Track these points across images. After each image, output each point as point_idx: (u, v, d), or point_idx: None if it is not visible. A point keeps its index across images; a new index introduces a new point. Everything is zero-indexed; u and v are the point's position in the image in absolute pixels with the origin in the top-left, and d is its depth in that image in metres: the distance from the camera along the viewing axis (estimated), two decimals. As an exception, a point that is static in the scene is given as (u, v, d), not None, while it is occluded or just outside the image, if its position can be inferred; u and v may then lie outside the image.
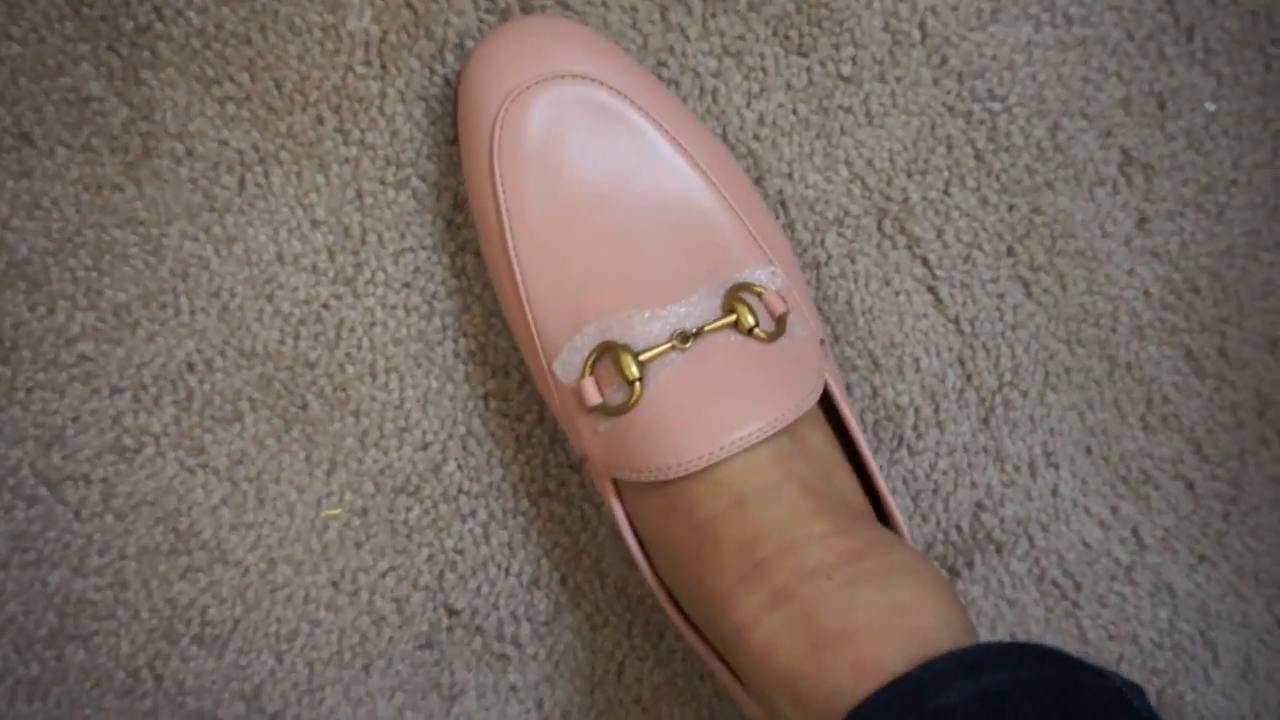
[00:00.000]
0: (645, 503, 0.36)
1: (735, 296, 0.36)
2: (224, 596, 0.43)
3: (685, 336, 0.36)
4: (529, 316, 0.37)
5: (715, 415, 0.35)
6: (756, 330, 0.36)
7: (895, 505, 0.38)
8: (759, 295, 0.37)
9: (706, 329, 0.36)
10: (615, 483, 0.38)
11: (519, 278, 0.37)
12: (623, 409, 0.35)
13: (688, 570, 0.35)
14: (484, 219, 0.38)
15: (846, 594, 0.32)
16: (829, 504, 0.34)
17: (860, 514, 0.36)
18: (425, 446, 0.44)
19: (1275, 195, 0.45)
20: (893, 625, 0.31)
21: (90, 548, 0.43)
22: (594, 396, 0.36)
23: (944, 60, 0.44)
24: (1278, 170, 0.45)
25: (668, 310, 0.36)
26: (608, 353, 0.36)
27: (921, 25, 0.43)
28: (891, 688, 0.29)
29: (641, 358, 0.35)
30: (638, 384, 0.35)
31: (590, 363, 0.36)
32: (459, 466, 0.44)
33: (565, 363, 0.37)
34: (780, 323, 0.37)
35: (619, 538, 0.44)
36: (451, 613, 0.44)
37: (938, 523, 0.45)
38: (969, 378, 0.45)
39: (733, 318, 0.36)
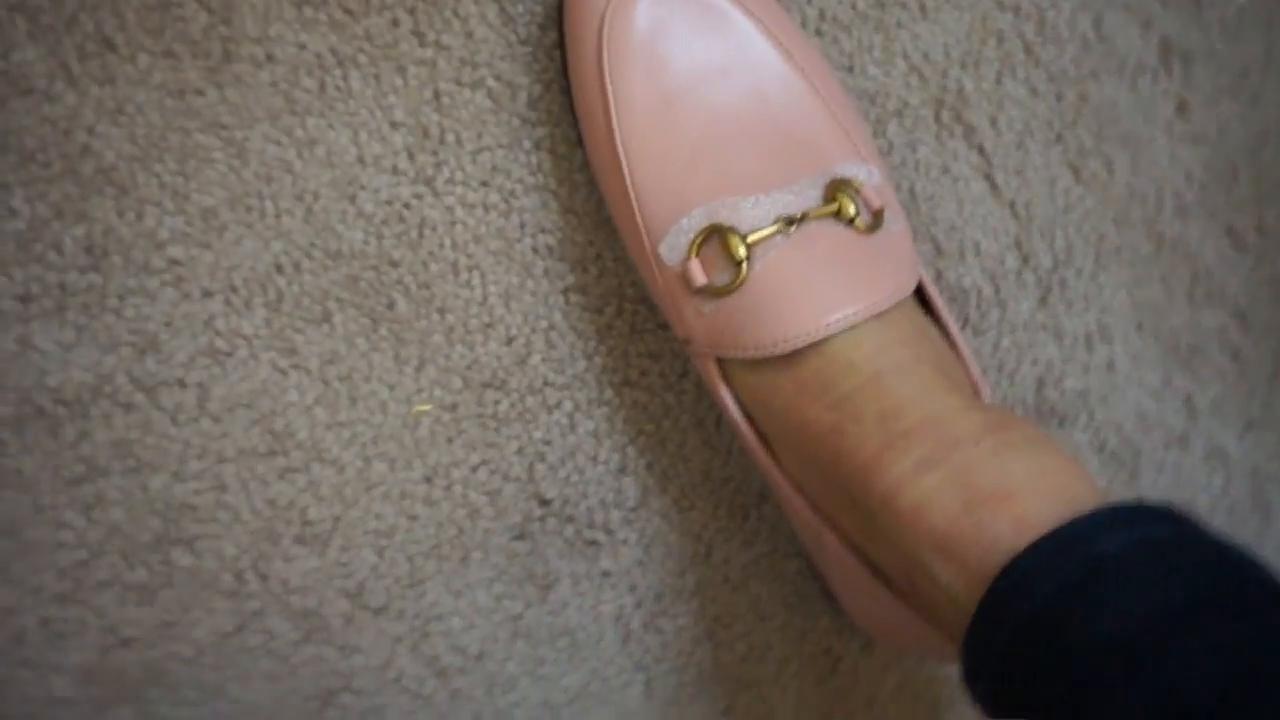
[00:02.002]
0: (768, 382, 0.38)
1: (836, 188, 0.38)
2: (322, 495, 0.44)
3: (790, 221, 0.37)
4: (634, 203, 0.39)
5: (820, 294, 0.36)
6: (857, 221, 0.38)
7: (986, 386, 0.40)
8: (857, 190, 0.38)
9: (811, 215, 0.37)
10: (720, 364, 0.38)
11: (625, 165, 0.39)
12: (729, 289, 0.37)
13: (823, 445, 0.36)
14: (590, 110, 0.39)
15: (995, 459, 0.33)
16: (957, 383, 0.36)
17: (977, 393, 0.38)
18: (509, 341, 0.45)
19: (1303, 78, 0.47)
20: (1045, 485, 0.32)
21: (189, 452, 0.43)
22: (700, 277, 0.37)
23: (997, -47, 0.45)
24: (1305, 54, 0.47)
25: (771, 197, 0.38)
26: (714, 235, 0.37)
27: (975, -81, 0.45)
28: (1051, 536, 0.30)
29: (749, 239, 0.37)
30: (744, 264, 0.37)
31: (697, 245, 0.38)
32: (543, 359, 0.45)
33: (672, 245, 0.38)
34: (878, 216, 0.39)
35: (700, 424, 0.45)
36: (543, 503, 0.45)
37: (1004, 398, 0.47)
38: (1025, 259, 0.47)
39: (834, 206, 0.38)
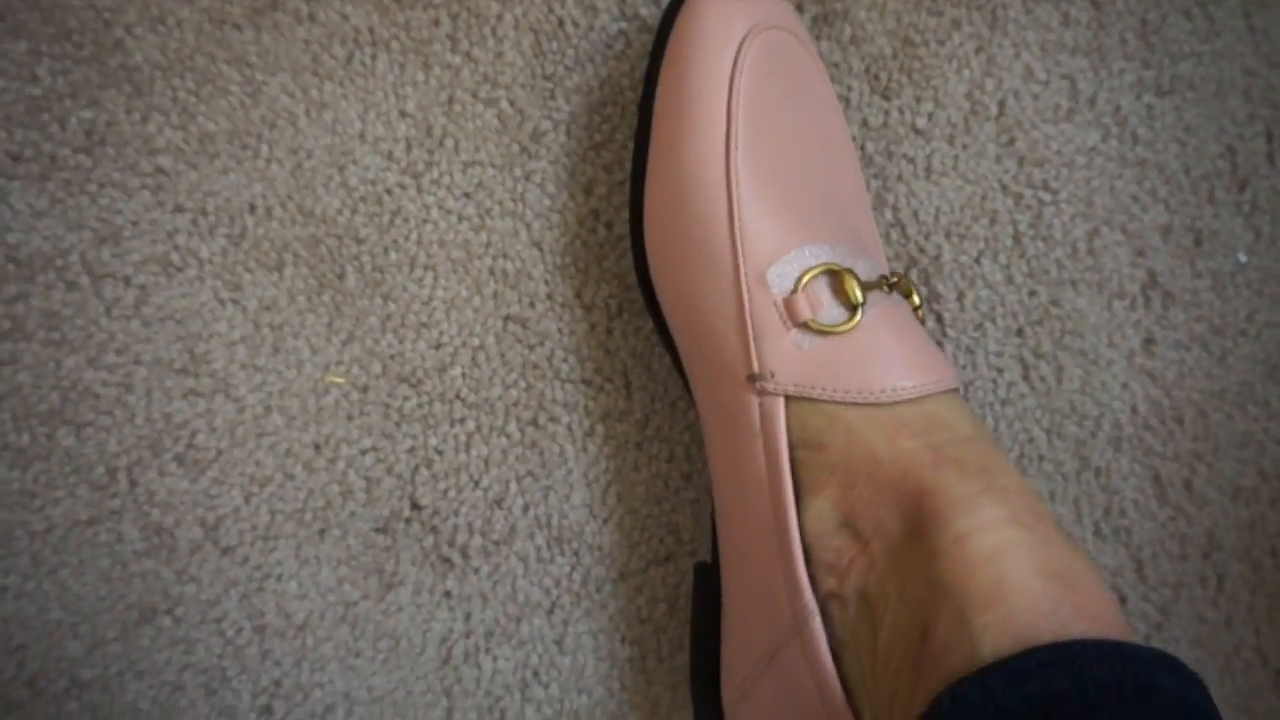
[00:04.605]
0: (842, 424, 0.37)
1: (909, 281, 0.40)
2: (215, 426, 0.45)
3: (888, 284, 0.39)
4: (736, 221, 0.39)
5: (920, 354, 0.38)
6: (919, 312, 0.40)
7: None
8: (917, 293, 0.41)
9: (900, 284, 0.39)
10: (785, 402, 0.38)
11: (735, 183, 0.39)
12: (840, 329, 0.37)
13: (910, 475, 0.35)
14: (695, 126, 0.40)
15: (1073, 553, 0.33)
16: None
17: None
18: (438, 346, 0.46)
19: (1277, 356, 0.47)
20: (1106, 601, 0.32)
21: (110, 344, 0.44)
22: (806, 310, 0.38)
23: (1011, 141, 0.46)
24: (1286, 334, 0.47)
25: (862, 254, 0.40)
26: (827, 274, 0.38)
27: (1001, 103, 0.46)
28: (1113, 643, 0.29)
29: (864, 284, 0.38)
30: (860, 309, 0.38)
31: (805, 280, 0.38)
32: (463, 374, 0.46)
33: (783, 272, 0.38)
34: (923, 320, 0.41)
35: (589, 484, 0.46)
36: (415, 506, 0.45)
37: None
38: (950, 436, 0.46)
39: (908, 289, 0.40)
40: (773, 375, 0.38)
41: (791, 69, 0.41)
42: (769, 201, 0.39)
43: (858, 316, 0.37)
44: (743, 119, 0.39)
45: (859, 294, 0.37)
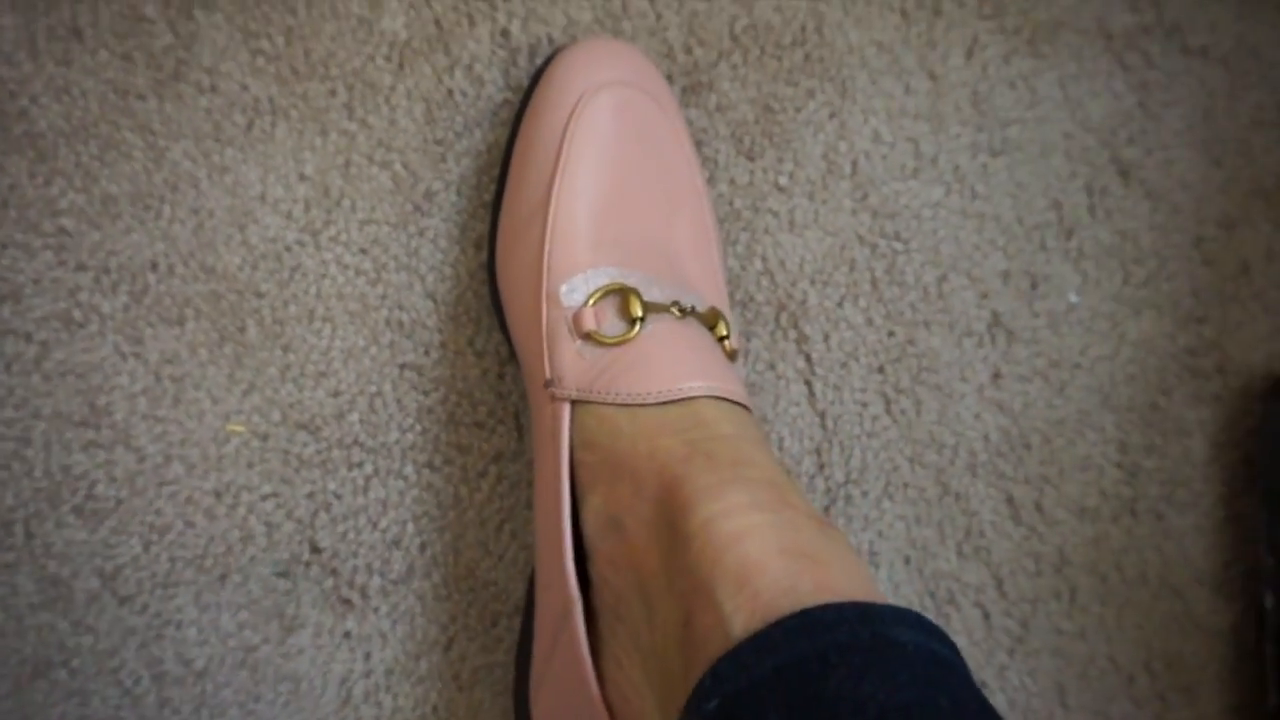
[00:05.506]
0: (613, 425, 0.40)
1: (716, 313, 0.44)
2: (115, 476, 0.46)
3: (682, 310, 0.42)
4: (548, 243, 0.43)
5: (696, 363, 0.41)
6: (726, 342, 0.43)
7: None
8: (728, 324, 0.44)
9: (698, 313, 0.43)
10: (572, 407, 0.42)
11: (552, 210, 0.44)
12: (618, 340, 0.41)
13: (665, 470, 0.38)
14: (536, 159, 0.45)
15: (819, 533, 0.35)
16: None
17: None
18: (336, 394, 0.48)
19: (1109, 387, 0.52)
20: (853, 572, 0.34)
21: (9, 399, 0.46)
22: (592, 322, 0.42)
23: (865, 196, 0.51)
24: (1115, 367, 0.52)
25: (668, 286, 0.43)
26: (616, 293, 0.42)
27: (854, 163, 0.51)
28: (852, 605, 0.31)
29: (647, 304, 0.42)
30: (638, 324, 0.41)
31: (597, 296, 0.42)
32: (361, 420, 0.48)
33: (573, 288, 0.43)
34: (734, 354, 0.44)
35: (483, 524, 0.48)
36: (314, 549, 0.47)
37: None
38: (821, 467, 0.50)
39: (714, 320, 0.43)
40: (560, 381, 0.41)
41: (637, 123, 0.46)
42: (577, 228, 0.43)
43: (635, 330, 0.41)
44: (572, 157, 0.44)
45: (639, 310, 0.41)
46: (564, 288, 0.42)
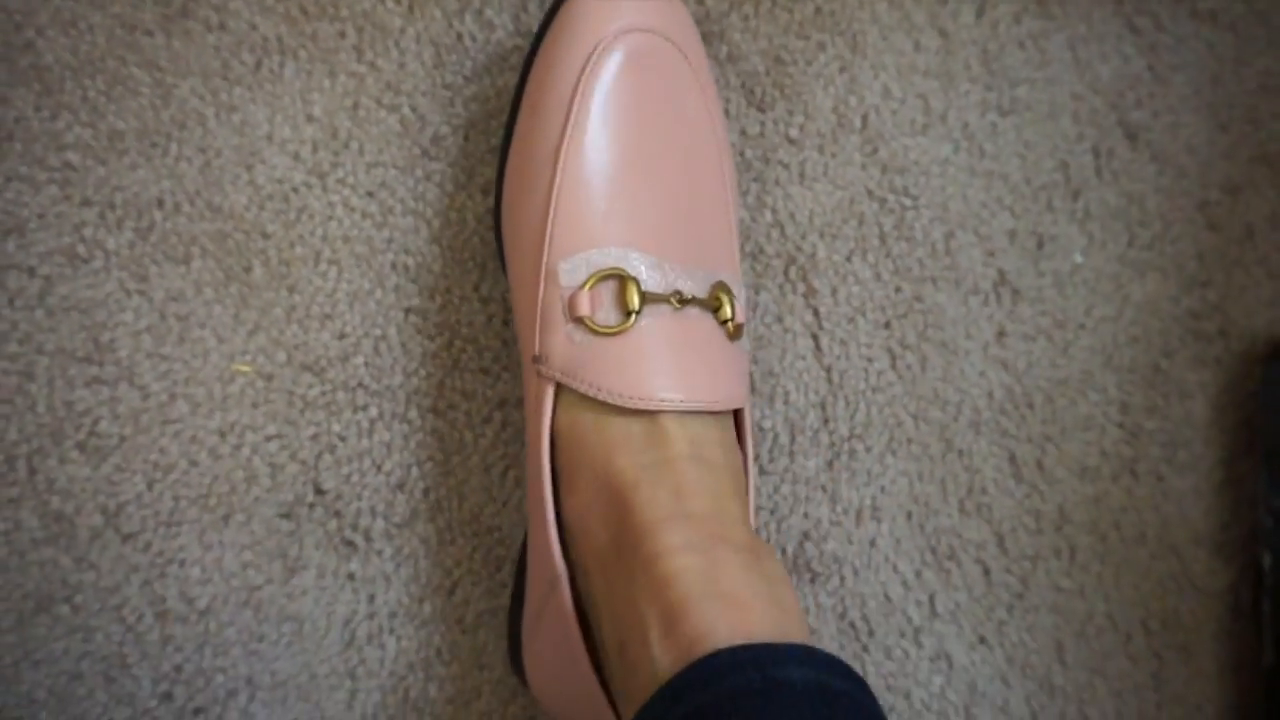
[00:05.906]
0: (593, 422, 0.40)
1: (721, 289, 0.43)
2: (119, 414, 0.46)
3: (682, 299, 0.41)
4: (551, 216, 0.42)
5: (681, 372, 0.40)
6: (728, 325, 0.42)
7: (755, 521, 0.42)
8: (733, 300, 0.43)
9: (699, 301, 0.42)
10: (557, 391, 0.41)
11: (557, 181, 0.42)
12: (610, 330, 0.40)
13: (620, 495, 0.39)
14: (543, 125, 0.42)
15: (744, 571, 0.37)
16: (742, 500, 0.39)
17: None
18: (342, 336, 0.47)
19: (1113, 347, 0.52)
20: (771, 611, 0.36)
21: (12, 334, 0.45)
22: (586, 307, 0.40)
23: (875, 151, 0.50)
24: (1118, 328, 0.52)
25: (674, 270, 0.42)
26: (615, 279, 0.41)
27: (864, 118, 0.50)
28: (753, 648, 0.33)
29: (645, 295, 0.40)
30: (634, 316, 0.40)
31: (595, 278, 0.40)
32: (366, 363, 0.47)
33: (574, 268, 0.41)
34: (739, 330, 0.43)
35: (487, 469, 0.48)
36: (318, 491, 0.47)
37: (767, 540, 0.49)
38: (826, 421, 0.50)
39: (718, 303, 0.42)
40: (547, 359, 0.40)
41: (655, 74, 0.43)
42: (584, 200, 0.41)
43: (630, 322, 0.40)
44: (582, 116, 0.42)
45: (636, 302, 0.40)
46: (564, 265, 0.41)
